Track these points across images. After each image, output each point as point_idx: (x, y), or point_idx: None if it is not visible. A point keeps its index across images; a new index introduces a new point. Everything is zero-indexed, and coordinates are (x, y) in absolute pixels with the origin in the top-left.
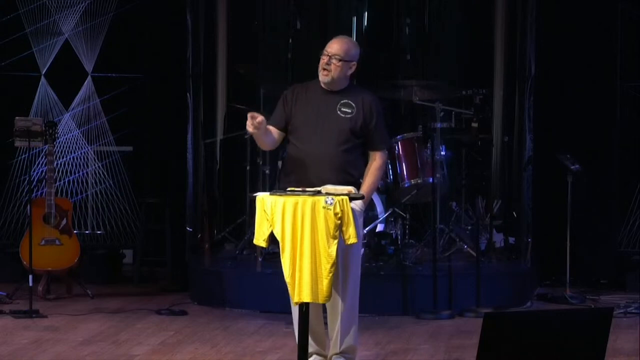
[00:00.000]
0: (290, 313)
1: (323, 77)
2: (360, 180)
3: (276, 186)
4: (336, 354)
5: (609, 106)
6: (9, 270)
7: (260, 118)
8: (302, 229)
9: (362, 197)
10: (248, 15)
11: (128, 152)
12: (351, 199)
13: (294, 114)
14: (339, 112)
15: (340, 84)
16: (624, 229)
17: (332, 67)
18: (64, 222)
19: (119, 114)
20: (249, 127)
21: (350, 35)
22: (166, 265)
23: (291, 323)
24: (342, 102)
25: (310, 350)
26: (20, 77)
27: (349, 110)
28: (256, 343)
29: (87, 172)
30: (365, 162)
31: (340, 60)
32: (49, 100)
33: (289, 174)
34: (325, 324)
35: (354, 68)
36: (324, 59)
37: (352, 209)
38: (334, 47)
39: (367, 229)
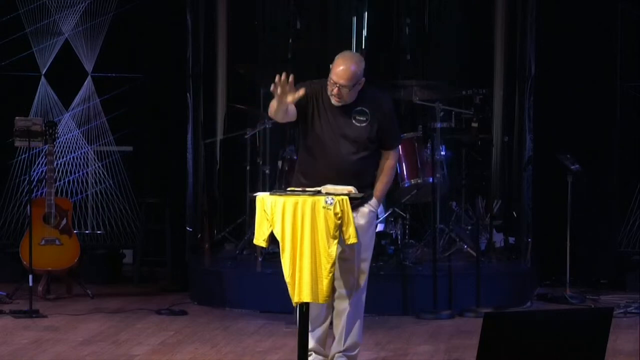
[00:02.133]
0: (291, 313)
1: (336, 102)
2: (374, 180)
3: (276, 186)
4: (339, 352)
5: (609, 106)
6: (9, 270)
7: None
8: (302, 229)
9: (361, 198)
10: (248, 15)
11: (128, 152)
12: (351, 198)
13: (311, 118)
14: (354, 120)
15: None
16: (624, 229)
17: (343, 95)
18: (64, 222)
19: (119, 114)
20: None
21: (350, 35)
22: (166, 265)
23: (292, 323)
24: (356, 109)
25: (310, 346)
26: (20, 77)
27: (364, 118)
28: (256, 343)
29: (87, 172)
30: (377, 162)
31: (349, 89)
32: (49, 100)
33: (304, 177)
34: (330, 323)
35: (362, 82)
36: (334, 89)
37: (368, 212)
38: (341, 77)
39: None
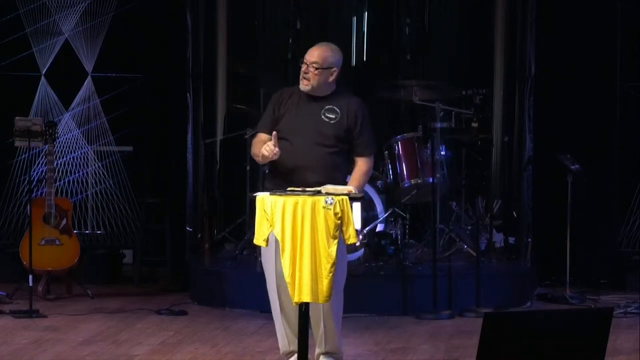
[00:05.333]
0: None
1: (303, 86)
2: (344, 184)
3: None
4: (322, 353)
5: (609, 106)
6: (9, 270)
7: (276, 150)
8: (302, 229)
9: (361, 198)
10: (248, 15)
11: (128, 152)
12: (351, 199)
13: (280, 119)
14: (323, 117)
15: (323, 90)
16: (624, 229)
17: (310, 75)
18: (64, 222)
19: (119, 114)
20: (269, 153)
21: (350, 35)
22: (166, 265)
23: None
24: (326, 107)
25: (291, 348)
26: (20, 77)
27: (333, 116)
28: (256, 343)
29: (87, 172)
30: (349, 167)
31: (318, 68)
32: (49, 100)
33: (274, 177)
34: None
35: (335, 74)
36: (304, 68)
37: None
38: (313, 55)
39: (367, 228)
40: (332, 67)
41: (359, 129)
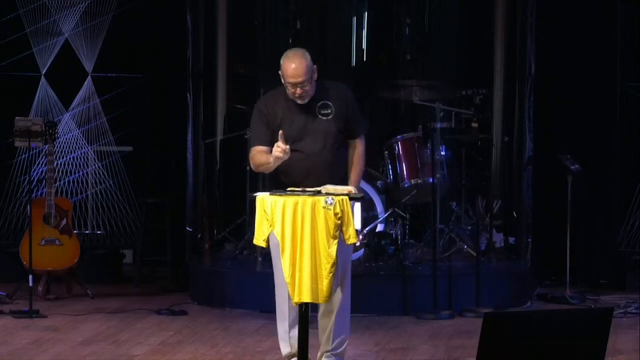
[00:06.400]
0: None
1: (301, 101)
2: (345, 174)
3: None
4: (327, 351)
5: (609, 106)
6: (9, 270)
7: (287, 147)
8: (302, 229)
9: (361, 198)
10: (248, 15)
11: (128, 152)
12: (351, 198)
13: (277, 130)
14: (320, 115)
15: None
16: (624, 229)
17: (305, 92)
18: (64, 222)
19: (119, 114)
20: (282, 152)
21: (350, 35)
22: (166, 265)
23: None
24: (319, 104)
25: (292, 351)
26: (20, 77)
27: (329, 111)
28: (256, 343)
29: (87, 172)
30: (346, 154)
31: (309, 82)
32: (49, 100)
33: (281, 180)
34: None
35: (316, 71)
36: (296, 91)
37: None
38: (297, 74)
39: (367, 228)
40: (312, 69)
41: (352, 112)
